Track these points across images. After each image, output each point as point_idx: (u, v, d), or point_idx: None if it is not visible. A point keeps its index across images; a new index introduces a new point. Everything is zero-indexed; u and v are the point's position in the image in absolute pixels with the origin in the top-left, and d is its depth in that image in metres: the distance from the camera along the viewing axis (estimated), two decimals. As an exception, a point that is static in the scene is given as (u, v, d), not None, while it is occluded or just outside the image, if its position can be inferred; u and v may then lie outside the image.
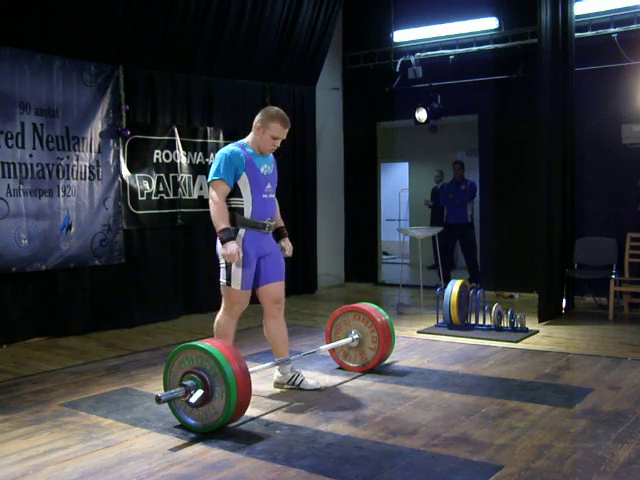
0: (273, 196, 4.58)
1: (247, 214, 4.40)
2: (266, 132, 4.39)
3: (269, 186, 4.51)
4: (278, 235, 4.74)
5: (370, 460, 3.41)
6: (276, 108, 4.54)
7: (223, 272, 4.43)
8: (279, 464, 3.37)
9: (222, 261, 4.41)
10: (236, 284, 4.38)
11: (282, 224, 4.81)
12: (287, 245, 4.72)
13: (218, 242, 4.40)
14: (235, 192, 4.38)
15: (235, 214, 4.38)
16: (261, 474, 3.27)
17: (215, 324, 4.55)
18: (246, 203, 4.40)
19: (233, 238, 4.29)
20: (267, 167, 4.50)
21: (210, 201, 4.37)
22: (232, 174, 4.34)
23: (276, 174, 4.63)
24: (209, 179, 4.40)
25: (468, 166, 9.75)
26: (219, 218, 4.31)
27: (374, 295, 8.84)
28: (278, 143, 4.47)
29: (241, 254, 4.32)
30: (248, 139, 4.51)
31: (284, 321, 4.71)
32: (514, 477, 3.16)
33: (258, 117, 4.45)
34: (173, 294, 7.50)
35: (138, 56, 6.98)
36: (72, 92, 6.48)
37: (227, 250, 4.24)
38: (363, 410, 4.19)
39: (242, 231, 4.39)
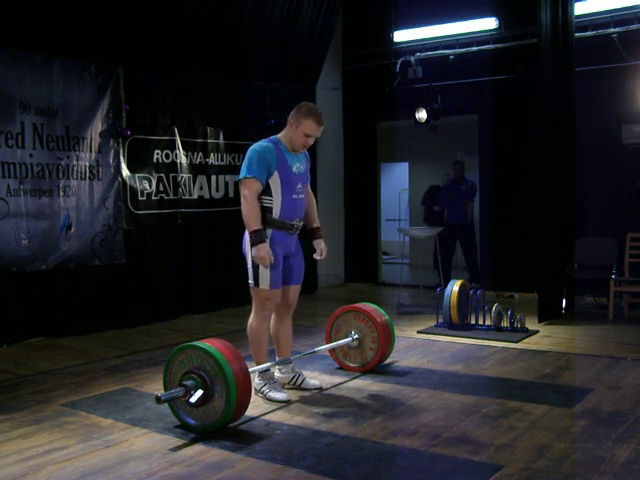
0: (303, 196, 4.46)
1: (276, 214, 4.31)
2: (299, 129, 4.27)
3: (300, 186, 4.39)
4: (312, 235, 4.63)
5: (370, 460, 3.41)
6: (311, 104, 4.40)
7: (250, 273, 4.35)
8: (279, 464, 3.37)
9: (249, 261, 4.35)
10: (264, 284, 4.31)
11: (318, 224, 4.68)
12: (319, 246, 4.58)
13: (246, 242, 4.34)
14: (265, 191, 4.27)
15: (264, 213, 4.29)
16: (261, 474, 3.27)
17: (248, 328, 4.47)
18: (275, 203, 4.30)
19: (265, 241, 4.20)
20: (299, 166, 4.39)
21: (242, 199, 4.24)
22: (265, 171, 4.22)
23: (308, 172, 4.53)
24: (240, 176, 4.27)
25: (468, 166, 9.75)
26: (252, 218, 4.20)
27: (374, 295, 8.83)
28: (311, 141, 4.35)
29: (272, 258, 4.23)
30: (281, 135, 4.39)
31: (291, 322, 4.70)
32: (514, 477, 3.16)
33: (292, 113, 4.33)
34: (173, 294, 7.49)
35: (138, 56, 6.98)
36: (72, 92, 6.48)
37: (259, 253, 4.16)
38: (363, 410, 4.19)
39: (269, 231, 4.31)
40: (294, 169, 4.35)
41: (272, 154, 4.26)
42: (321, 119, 4.32)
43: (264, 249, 4.18)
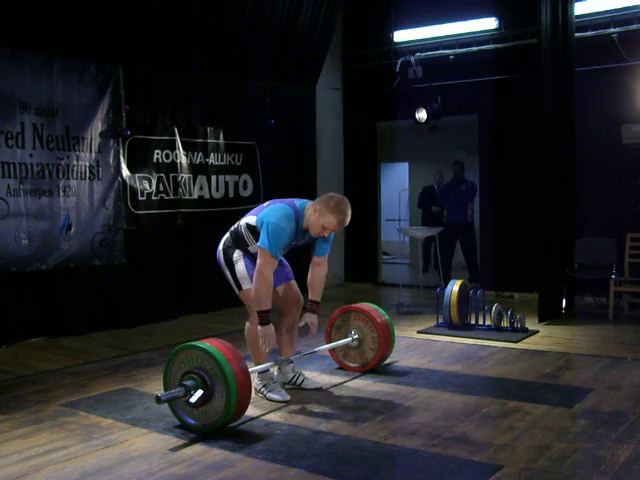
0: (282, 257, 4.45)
1: (249, 251, 4.39)
2: (320, 219, 4.18)
3: (286, 250, 4.43)
4: (308, 307, 4.54)
5: (370, 460, 3.41)
6: (343, 201, 4.21)
7: (231, 281, 4.42)
8: (279, 464, 3.37)
9: (226, 272, 4.42)
10: (246, 284, 4.34)
11: (317, 297, 4.56)
12: (307, 320, 4.49)
13: (220, 253, 4.43)
14: (256, 238, 4.25)
15: (239, 241, 4.36)
16: (261, 474, 3.27)
17: (245, 331, 4.49)
18: (254, 249, 4.30)
19: (271, 321, 4.22)
20: (300, 240, 4.40)
21: (259, 274, 4.14)
22: (282, 249, 4.26)
23: (329, 245, 4.50)
24: (263, 245, 4.13)
25: (468, 166, 9.74)
26: (265, 298, 4.16)
27: (374, 295, 8.83)
28: (327, 233, 4.27)
29: (275, 340, 4.26)
30: (306, 211, 4.27)
31: (298, 322, 4.71)
32: (514, 477, 3.16)
33: (320, 199, 4.24)
34: (173, 294, 7.49)
35: (138, 56, 6.98)
36: (72, 92, 6.48)
37: (266, 332, 4.17)
38: (363, 410, 4.20)
39: (239, 251, 4.41)
40: (294, 242, 4.38)
41: (292, 232, 4.25)
42: (345, 219, 4.21)
43: (270, 330, 4.20)
